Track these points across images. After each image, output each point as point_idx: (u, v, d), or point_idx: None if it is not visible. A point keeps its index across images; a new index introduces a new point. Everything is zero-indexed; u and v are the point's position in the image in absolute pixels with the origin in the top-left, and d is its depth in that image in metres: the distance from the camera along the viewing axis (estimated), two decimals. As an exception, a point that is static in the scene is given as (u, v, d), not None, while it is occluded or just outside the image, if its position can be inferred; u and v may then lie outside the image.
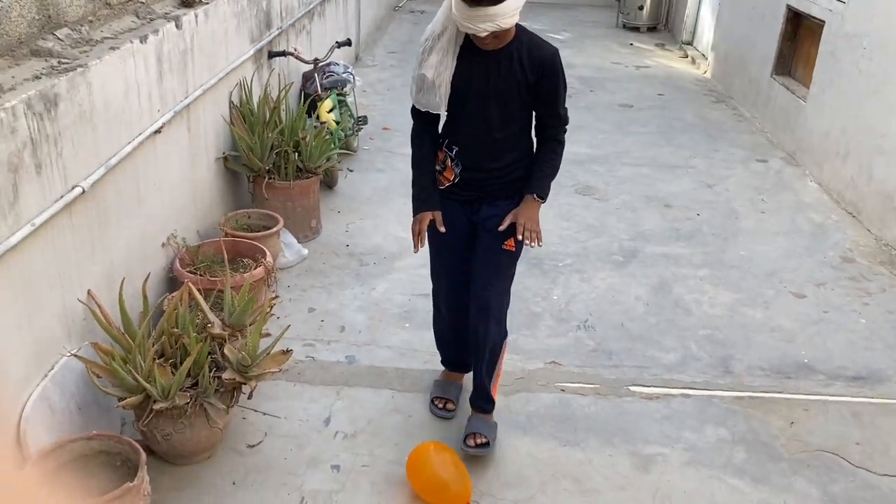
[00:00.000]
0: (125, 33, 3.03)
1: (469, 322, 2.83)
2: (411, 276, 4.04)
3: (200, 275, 3.29)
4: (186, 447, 2.66)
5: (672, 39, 10.14)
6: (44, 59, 2.54)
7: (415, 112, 2.67)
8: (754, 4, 7.21)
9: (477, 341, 2.82)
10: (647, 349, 3.60)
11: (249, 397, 2.74)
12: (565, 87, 2.60)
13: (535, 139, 2.73)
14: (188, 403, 2.53)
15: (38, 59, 2.54)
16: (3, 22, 2.41)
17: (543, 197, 2.66)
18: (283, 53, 4.79)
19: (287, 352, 2.80)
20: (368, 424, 3.02)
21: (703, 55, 8.93)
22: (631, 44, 9.86)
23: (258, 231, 3.83)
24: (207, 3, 3.67)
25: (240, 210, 4.08)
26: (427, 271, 3.02)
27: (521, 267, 2.98)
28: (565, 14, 11.40)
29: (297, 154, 4.24)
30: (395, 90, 7.19)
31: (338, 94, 5.15)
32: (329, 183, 4.97)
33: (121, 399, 2.49)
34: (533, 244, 2.65)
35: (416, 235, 2.74)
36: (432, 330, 3.16)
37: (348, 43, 5.43)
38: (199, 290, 2.87)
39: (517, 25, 2.47)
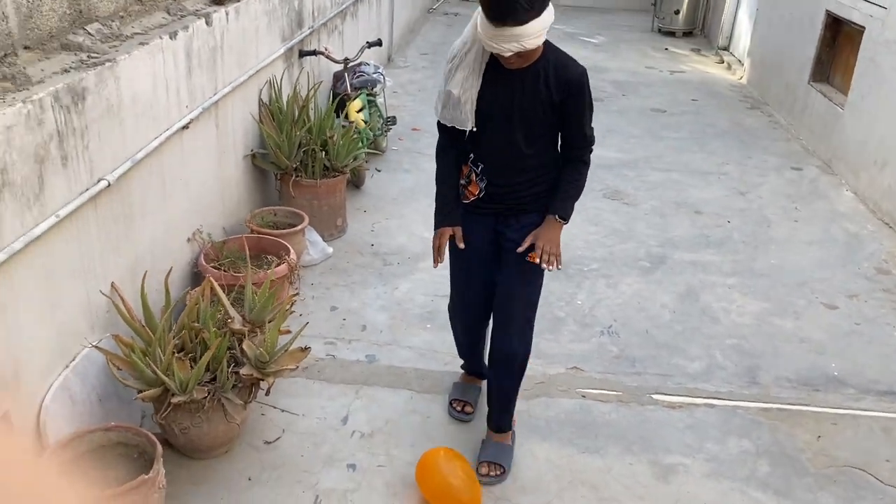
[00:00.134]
0: (155, 29, 3.06)
1: (492, 337, 2.79)
2: (434, 276, 4.02)
3: (224, 270, 3.31)
4: (204, 441, 2.67)
5: (708, 44, 10.00)
6: (73, 53, 2.58)
7: (441, 126, 2.65)
8: (793, 10, 7.08)
9: (499, 358, 2.77)
10: (672, 357, 3.54)
11: (267, 393, 2.75)
12: (591, 108, 2.56)
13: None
14: (206, 398, 2.54)
15: (67, 52, 2.57)
16: (34, 16, 2.44)
17: (566, 219, 2.62)
18: (314, 53, 4.82)
19: (305, 349, 2.80)
20: (386, 424, 3.00)
21: (740, 61, 8.79)
22: (666, 48, 9.75)
23: (284, 228, 3.84)
24: (239, 1, 3.70)
25: (266, 207, 4.10)
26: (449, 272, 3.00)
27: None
28: (601, 18, 11.31)
29: (324, 153, 4.25)
30: (425, 91, 7.19)
31: (368, 95, 5.17)
32: (356, 182, 4.98)
33: (139, 391, 2.51)
34: (551, 268, 2.60)
35: (437, 250, 2.72)
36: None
37: (379, 43, 5.44)
38: (221, 285, 2.89)
39: (545, 43, 2.41)
